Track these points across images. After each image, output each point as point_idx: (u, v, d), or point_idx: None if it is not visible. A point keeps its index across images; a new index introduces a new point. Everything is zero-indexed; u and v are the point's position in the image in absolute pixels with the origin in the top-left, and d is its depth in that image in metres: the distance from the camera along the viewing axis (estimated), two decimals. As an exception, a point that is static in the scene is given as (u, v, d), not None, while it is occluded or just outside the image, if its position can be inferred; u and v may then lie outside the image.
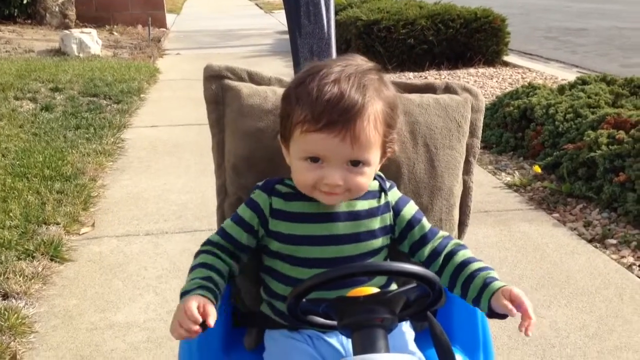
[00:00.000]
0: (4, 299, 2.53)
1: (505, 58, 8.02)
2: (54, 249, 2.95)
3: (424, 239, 1.31)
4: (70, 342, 2.31)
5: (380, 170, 1.39)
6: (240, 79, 1.53)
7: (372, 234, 1.29)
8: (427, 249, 1.29)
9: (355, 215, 1.29)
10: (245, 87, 1.49)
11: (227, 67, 1.53)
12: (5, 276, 2.66)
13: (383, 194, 1.33)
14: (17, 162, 4.03)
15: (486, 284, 1.19)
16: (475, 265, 1.24)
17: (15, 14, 10.63)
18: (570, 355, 2.22)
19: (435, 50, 7.62)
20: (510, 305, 1.12)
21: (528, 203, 3.67)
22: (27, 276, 2.69)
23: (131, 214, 3.48)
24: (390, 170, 1.45)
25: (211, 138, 1.53)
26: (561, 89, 4.91)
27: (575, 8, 15.01)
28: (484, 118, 1.63)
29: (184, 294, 1.17)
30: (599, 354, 2.24)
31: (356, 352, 1.06)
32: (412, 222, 1.32)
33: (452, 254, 1.27)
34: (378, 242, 1.30)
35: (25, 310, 2.46)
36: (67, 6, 10.74)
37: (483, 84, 6.82)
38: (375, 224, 1.30)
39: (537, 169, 4.05)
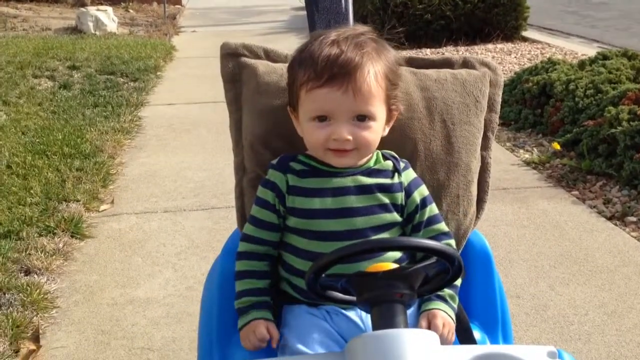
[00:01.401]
0: (26, 275, 2.57)
1: (524, 33, 7.90)
2: (75, 225, 2.98)
3: (420, 225, 1.32)
4: (92, 317, 2.34)
5: (396, 147, 1.39)
6: (257, 56, 1.52)
7: (384, 208, 1.29)
8: (420, 234, 1.31)
9: (367, 189, 1.30)
10: (262, 65, 1.49)
11: (244, 45, 1.52)
12: (27, 252, 2.70)
13: (397, 174, 1.33)
14: (37, 140, 4.07)
15: (428, 298, 1.27)
16: None
17: (32, -8, 10.64)
18: (589, 333, 2.22)
19: (453, 25, 7.51)
20: (423, 327, 1.22)
21: (547, 180, 3.64)
22: (48, 252, 2.73)
23: (149, 191, 3.50)
24: (407, 147, 1.44)
25: (228, 116, 1.52)
26: (581, 65, 4.83)
27: (597, -19, 14.69)
28: (502, 94, 1.61)
29: (244, 310, 1.28)
30: (618, 332, 2.23)
31: (375, 327, 1.06)
32: (419, 207, 1.32)
33: None
34: (391, 216, 1.30)
35: (47, 285, 2.51)
36: (83, -16, 10.72)
37: (501, 60, 6.74)
38: (386, 199, 1.30)
39: (556, 145, 4.00)
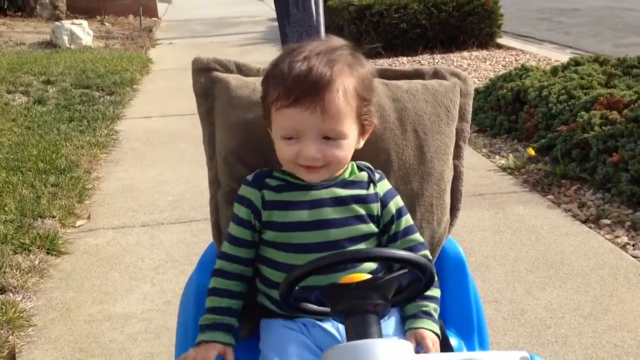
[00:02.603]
0: (1, 293, 2.53)
1: (499, 40, 8.00)
2: (50, 242, 2.95)
3: (397, 236, 1.33)
4: (69, 335, 2.32)
5: (369, 158, 1.41)
6: (229, 70, 1.53)
7: (360, 219, 1.30)
8: (397, 245, 1.32)
9: (343, 201, 1.30)
10: (234, 79, 1.49)
11: (216, 60, 1.52)
12: (2, 270, 2.67)
13: (372, 184, 1.34)
14: (11, 156, 4.02)
15: (414, 315, 1.28)
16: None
17: (6, 7, 10.56)
18: (565, 336, 2.24)
19: (429, 34, 7.60)
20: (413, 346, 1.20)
21: (522, 185, 3.68)
22: (23, 270, 2.70)
23: (127, 205, 3.48)
24: (379, 158, 1.46)
25: (202, 131, 1.53)
26: (554, 71, 4.91)
27: (569, -12, 14.93)
28: (478, 101, 1.64)
29: (205, 327, 1.28)
30: (594, 334, 2.26)
31: (350, 337, 1.06)
32: (394, 217, 1.33)
33: None
34: (367, 227, 1.31)
35: (22, 303, 2.48)
36: (57, -3, 10.67)
37: (477, 67, 6.82)
38: (363, 210, 1.31)
39: (531, 151, 4.05)
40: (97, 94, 5.87)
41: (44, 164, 3.86)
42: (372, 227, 1.32)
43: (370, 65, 1.35)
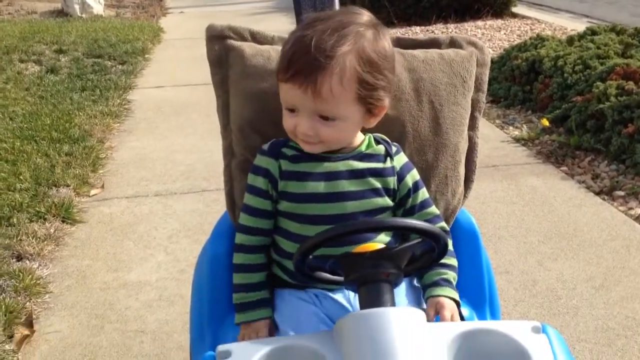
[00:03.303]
0: (18, 261, 2.57)
1: (514, 9, 7.88)
2: (65, 210, 2.98)
3: (414, 209, 1.33)
4: (85, 302, 2.36)
5: (384, 130, 1.39)
6: (243, 38, 1.51)
7: (376, 192, 1.30)
8: (414, 218, 1.30)
9: (359, 174, 1.30)
10: (249, 47, 1.48)
11: (230, 27, 1.50)
12: (19, 238, 2.70)
13: (389, 158, 1.33)
14: (25, 125, 4.05)
15: (435, 282, 1.28)
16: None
17: (16, -25, 10.48)
18: (577, 307, 2.25)
19: (442, 2, 7.48)
20: (432, 315, 1.21)
21: (536, 157, 3.66)
22: (39, 238, 2.73)
23: (140, 175, 3.50)
24: (395, 130, 1.44)
25: (215, 99, 1.52)
26: (570, 40, 4.83)
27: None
28: (492, 72, 1.62)
29: (244, 307, 1.31)
30: (606, 305, 2.26)
31: (362, 306, 1.07)
32: (411, 191, 1.33)
33: None
34: (382, 201, 1.30)
35: (39, 271, 2.51)
36: (67, -35, 10.58)
37: (491, 37, 6.72)
38: (378, 183, 1.30)
39: (545, 122, 4.02)
40: (109, 63, 5.86)
41: (57, 133, 3.88)
42: (387, 201, 1.31)
43: (390, 43, 1.27)
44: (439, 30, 7.11)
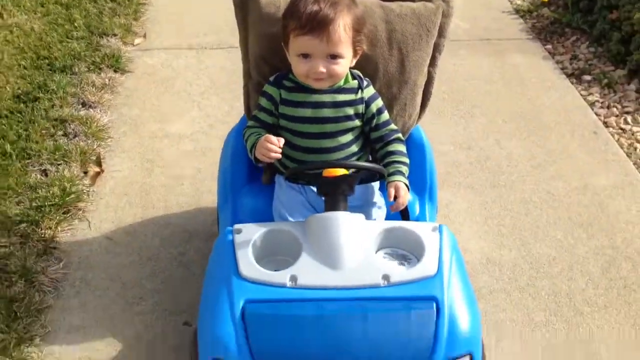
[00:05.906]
0: (83, 107, 3.22)
1: None
2: (116, 60, 3.58)
3: (378, 126, 1.93)
4: (139, 147, 3.05)
5: (361, 67, 1.95)
6: None
7: (348, 117, 1.90)
8: (377, 134, 1.92)
9: (339, 104, 1.89)
10: None
11: None
12: (81, 87, 3.33)
13: (360, 90, 1.91)
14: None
15: (393, 172, 1.86)
16: (396, 157, 1.88)
17: None
18: (513, 181, 2.89)
19: None
20: (392, 193, 1.77)
21: (528, 32, 4.07)
22: (97, 87, 3.36)
23: (174, 27, 4.00)
24: (369, 67, 2.00)
25: (238, 33, 2.06)
26: None
27: None
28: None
29: (251, 142, 1.84)
30: (536, 181, 2.90)
31: (326, 209, 1.74)
32: (375, 114, 1.92)
33: (389, 142, 1.91)
34: (352, 123, 1.91)
35: (100, 118, 3.17)
36: None
37: None
38: (351, 111, 1.90)
39: (546, -5, 4.34)
40: None
41: (101, -23, 4.30)
42: (356, 122, 1.92)
43: (361, 8, 1.87)
44: None
